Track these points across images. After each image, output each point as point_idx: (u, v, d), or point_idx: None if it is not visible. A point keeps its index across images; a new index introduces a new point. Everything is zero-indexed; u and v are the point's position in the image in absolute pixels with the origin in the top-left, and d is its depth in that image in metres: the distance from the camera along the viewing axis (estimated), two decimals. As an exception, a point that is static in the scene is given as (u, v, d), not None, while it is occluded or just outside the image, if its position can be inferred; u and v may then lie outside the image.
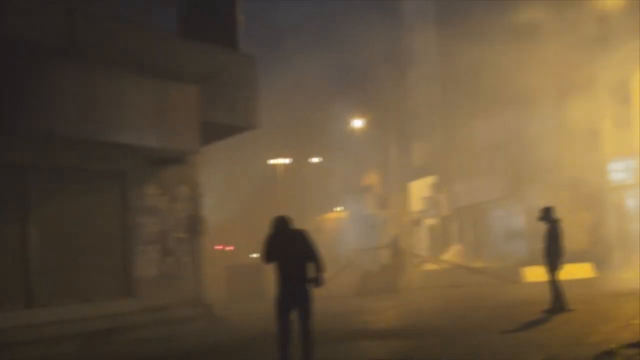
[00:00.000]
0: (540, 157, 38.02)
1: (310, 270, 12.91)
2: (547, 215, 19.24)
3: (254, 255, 53.76)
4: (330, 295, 31.08)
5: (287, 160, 56.84)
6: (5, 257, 19.16)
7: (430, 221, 54.42)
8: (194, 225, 23.51)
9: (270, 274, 32.02)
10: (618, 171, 35.66)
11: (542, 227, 19.40)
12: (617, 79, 34.53)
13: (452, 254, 43.95)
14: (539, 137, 38.31)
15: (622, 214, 35.92)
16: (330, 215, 68.32)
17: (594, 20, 34.00)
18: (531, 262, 31.19)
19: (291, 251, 12.81)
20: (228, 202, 52.13)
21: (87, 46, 19.41)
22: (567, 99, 34.45)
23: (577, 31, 34.27)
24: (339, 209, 67.97)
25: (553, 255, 18.96)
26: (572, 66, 35.00)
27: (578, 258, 25.86)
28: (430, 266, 39.86)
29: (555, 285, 18.87)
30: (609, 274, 29.56)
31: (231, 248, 55.96)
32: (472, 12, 42.74)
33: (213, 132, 23.60)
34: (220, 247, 53.60)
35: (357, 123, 56.17)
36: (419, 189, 55.85)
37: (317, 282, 12.92)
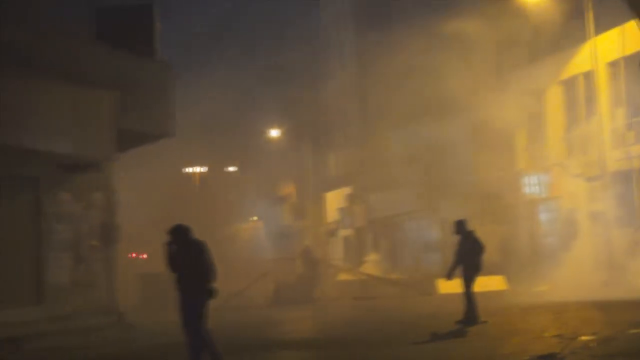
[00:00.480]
0: (455, 170, 38.36)
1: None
2: (460, 228, 19.37)
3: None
4: (245, 306, 31.00)
5: (203, 169, 56.58)
6: None
7: (345, 232, 54.54)
8: (108, 233, 23.22)
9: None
10: (532, 185, 36.16)
11: (456, 239, 19.52)
12: (531, 94, 35.02)
13: (368, 265, 44.05)
14: (453, 148, 38.66)
15: (535, 228, 36.41)
16: (246, 225, 68.10)
17: (513, 35, 34.42)
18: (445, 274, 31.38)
19: (193, 260, 12.64)
20: (143, 210, 51.64)
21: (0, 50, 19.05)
22: (482, 111, 34.77)
23: (492, 45, 34.74)
24: (254, 218, 67.79)
25: (466, 268, 19.10)
26: (488, 79, 35.45)
27: (490, 270, 26.06)
28: (345, 277, 39.90)
29: (468, 297, 19.00)
30: (520, 287, 29.90)
31: (144, 256, 55.45)
32: (390, 23, 43.04)
33: (128, 139, 23.37)
34: (134, 255, 53.10)
35: (274, 132, 56.19)
36: (335, 200, 55.98)
37: (212, 293, 12.72)
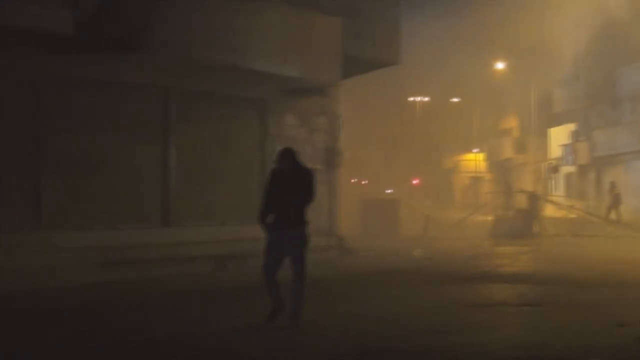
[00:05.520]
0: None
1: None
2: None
3: (389, 191, 53.94)
4: (462, 237, 31.02)
5: (426, 98, 56.50)
6: (146, 176, 19.68)
7: (567, 169, 53.52)
8: (331, 157, 23.62)
9: (403, 211, 31.86)
10: None
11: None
12: None
13: (589, 203, 43.15)
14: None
15: None
16: (468, 156, 67.79)
17: None
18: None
19: (294, 189, 11.73)
20: (365, 137, 52.16)
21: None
22: None
23: None
24: (475, 150, 67.37)
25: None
26: None
27: None
28: (564, 214, 39.24)
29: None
30: None
31: (366, 182, 56.15)
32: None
33: (354, 66, 23.50)
34: (356, 180, 53.81)
35: (499, 65, 55.36)
36: (558, 136, 54.91)
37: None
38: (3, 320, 12.76)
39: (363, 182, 55.11)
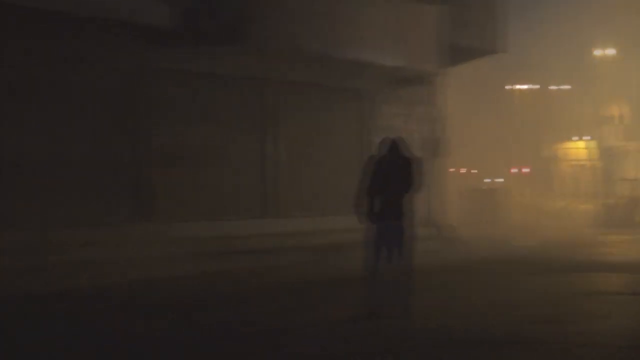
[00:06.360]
0: None
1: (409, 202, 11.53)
2: None
3: (488, 180, 53.50)
4: (565, 226, 30.55)
5: (525, 86, 55.79)
6: (246, 168, 19.76)
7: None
8: (433, 147, 23.42)
9: (505, 200, 31.38)
10: None
11: None
12: None
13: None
14: None
15: None
16: (569, 144, 66.69)
17: None
18: None
19: (396, 179, 11.48)
20: (468, 126, 51.66)
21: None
22: None
23: None
24: (576, 138, 66.21)
25: None
26: None
27: None
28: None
29: None
30: None
31: (466, 171, 55.75)
32: None
33: (456, 54, 23.25)
34: (455, 170, 53.42)
35: (604, 52, 54.35)
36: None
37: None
38: (119, 310, 12.90)
39: (463, 171, 54.67)
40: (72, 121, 16.64)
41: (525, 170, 55.55)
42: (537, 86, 57.85)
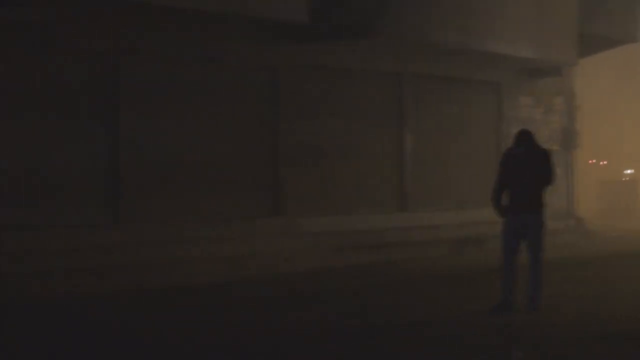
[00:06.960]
0: None
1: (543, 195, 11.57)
2: None
3: (627, 172, 52.28)
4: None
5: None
6: (381, 162, 19.90)
7: None
8: (568, 138, 23.19)
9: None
10: None
11: None
12: None
13: None
14: None
15: None
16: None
17: None
18: None
19: (529, 171, 11.45)
20: (604, 116, 50.64)
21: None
22: None
23: None
24: None
25: None
26: None
27: None
28: None
29: None
30: None
31: (604, 163, 54.60)
32: None
33: (589, 44, 22.93)
34: (594, 161, 52.40)
35: None
36: None
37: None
38: (256, 301, 13.26)
39: (602, 163, 53.58)
40: (217, 121, 17.05)
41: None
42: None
